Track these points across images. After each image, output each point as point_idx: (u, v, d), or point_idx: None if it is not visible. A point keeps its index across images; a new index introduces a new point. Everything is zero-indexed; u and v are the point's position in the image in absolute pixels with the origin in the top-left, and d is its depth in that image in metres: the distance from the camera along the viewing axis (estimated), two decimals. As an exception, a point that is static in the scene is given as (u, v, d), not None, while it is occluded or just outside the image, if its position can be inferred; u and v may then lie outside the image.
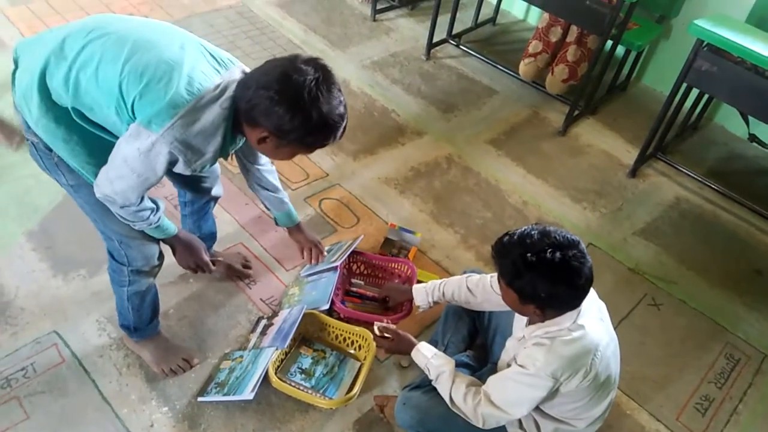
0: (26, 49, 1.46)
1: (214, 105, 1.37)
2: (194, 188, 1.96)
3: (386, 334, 1.80)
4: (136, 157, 1.36)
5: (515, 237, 1.48)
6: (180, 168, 1.42)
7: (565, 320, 1.50)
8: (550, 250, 1.41)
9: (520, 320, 1.69)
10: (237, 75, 1.44)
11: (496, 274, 1.76)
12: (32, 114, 1.43)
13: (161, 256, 1.77)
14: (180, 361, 1.95)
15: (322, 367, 1.97)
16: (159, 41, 1.40)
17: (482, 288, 1.84)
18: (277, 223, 2.07)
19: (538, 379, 1.50)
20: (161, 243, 1.72)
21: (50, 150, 1.49)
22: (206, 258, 1.79)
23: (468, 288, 1.86)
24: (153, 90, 1.33)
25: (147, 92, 1.33)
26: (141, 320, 1.88)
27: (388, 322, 1.86)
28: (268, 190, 1.93)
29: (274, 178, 1.92)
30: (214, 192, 2.00)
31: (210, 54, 1.44)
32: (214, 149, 1.42)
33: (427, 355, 1.70)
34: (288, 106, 1.34)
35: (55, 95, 1.40)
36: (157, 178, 1.43)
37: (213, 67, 1.42)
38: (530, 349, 1.51)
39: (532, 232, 1.46)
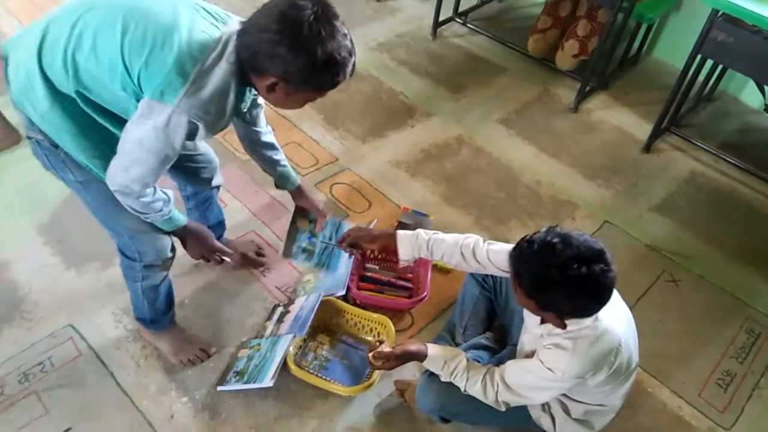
0: (15, 43, 1.40)
1: (221, 62, 1.31)
2: (195, 180, 1.92)
3: (384, 365, 1.67)
4: (153, 135, 1.30)
5: (536, 246, 1.37)
6: (201, 135, 1.35)
7: (586, 318, 1.44)
8: (575, 265, 1.31)
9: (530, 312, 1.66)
10: (236, 26, 1.36)
11: (490, 244, 1.69)
12: (37, 108, 1.38)
13: (173, 249, 1.74)
14: (197, 351, 1.94)
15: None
16: (150, 7, 1.33)
17: (477, 259, 1.69)
18: (276, 186, 1.95)
19: (562, 381, 1.49)
20: (172, 235, 1.69)
21: (56, 146, 1.45)
22: (218, 244, 1.75)
23: (462, 254, 1.70)
24: (157, 58, 1.28)
25: (152, 61, 1.28)
26: (157, 312, 1.87)
27: (381, 342, 1.69)
28: (266, 148, 1.83)
29: (272, 138, 1.83)
30: (215, 182, 1.96)
31: (205, 10, 1.38)
32: (230, 107, 1.37)
33: (435, 371, 1.64)
34: (289, 46, 1.26)
35: (58, 83, 1.36)
36: (176, 153, 1.37)
37: (210, 23, 1.36)
38: (553, 351, 1.46)
39: (554, 240, 1.35)
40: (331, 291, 2.03)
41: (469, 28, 3.63)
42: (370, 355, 1.66)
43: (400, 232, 1.76)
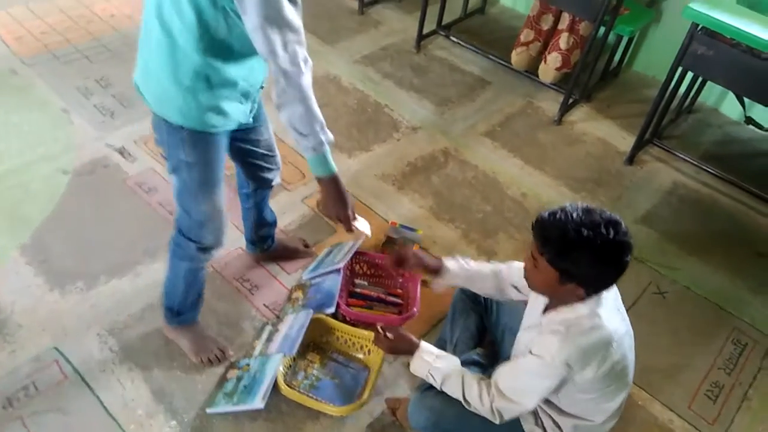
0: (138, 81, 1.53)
1: None
2: (259, 180, 1.96)
3: (388, 334, 1.71)
4: None
5: (561, 212, 1.40)
6: None
7: (584, 308, 1.46)
8: (603, 226, 1.36)
9: (531, 311, 1.66)
10: None
11: (510, 265, 1.78)
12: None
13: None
14: (217, 351, 1.95)
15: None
16: None
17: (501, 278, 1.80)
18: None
19: (551, 368, 1.47)
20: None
21: (182, 127, 1.50)
22: (350, 215, 1.68)
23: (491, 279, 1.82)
24: None
25: None
26: (186, 302, 1.88)
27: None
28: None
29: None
30: (276, 180, 2.00)
31: None
32: None
33: (428, 360, 1.62)
34: None
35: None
36: None
37: None
38: (545, 336, 1.47)
39: (577, 210, 1.40)
40: (320, 308, 2.01)
41: (453, 41, 3.65)
42: (379, 325, 1.70)
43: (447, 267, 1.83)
